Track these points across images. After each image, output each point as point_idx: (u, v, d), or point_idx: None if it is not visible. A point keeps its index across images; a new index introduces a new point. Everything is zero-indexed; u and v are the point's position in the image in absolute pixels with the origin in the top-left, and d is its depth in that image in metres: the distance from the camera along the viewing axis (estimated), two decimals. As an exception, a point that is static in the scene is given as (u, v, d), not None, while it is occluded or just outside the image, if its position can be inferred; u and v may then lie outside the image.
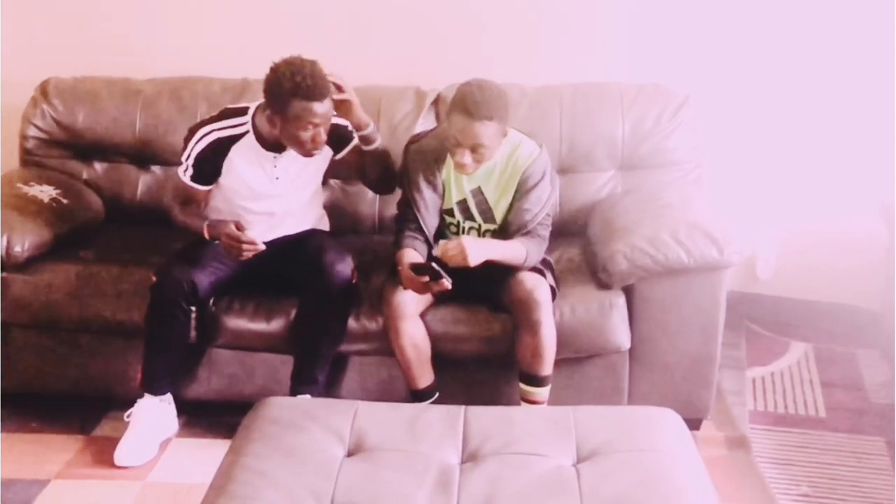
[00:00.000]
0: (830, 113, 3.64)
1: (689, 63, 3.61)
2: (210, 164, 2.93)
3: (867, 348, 3.68)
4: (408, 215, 2.93)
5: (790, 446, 3.08)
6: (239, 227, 2.83)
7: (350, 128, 2.96)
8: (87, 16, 3.74)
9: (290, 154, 2.93)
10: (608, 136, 3.40)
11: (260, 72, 3.52)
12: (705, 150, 3.45)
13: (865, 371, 3.54)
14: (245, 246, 2.81)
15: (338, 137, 2.97)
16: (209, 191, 2.99)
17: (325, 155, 2.99)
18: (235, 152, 2.93)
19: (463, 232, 2.97)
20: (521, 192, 2.88)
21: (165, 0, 3.73)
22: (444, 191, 2.93)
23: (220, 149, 2.92)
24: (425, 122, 3.42)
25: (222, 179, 2.97)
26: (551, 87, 3.47)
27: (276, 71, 2.76)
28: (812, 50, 3.57)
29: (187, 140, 2.95)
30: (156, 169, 3.55)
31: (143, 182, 3.55)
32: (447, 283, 2.71)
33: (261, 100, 3.41)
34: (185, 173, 2.95)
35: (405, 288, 2.80)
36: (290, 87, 2.71)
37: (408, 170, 2.95)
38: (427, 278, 2.72)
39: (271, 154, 2.93)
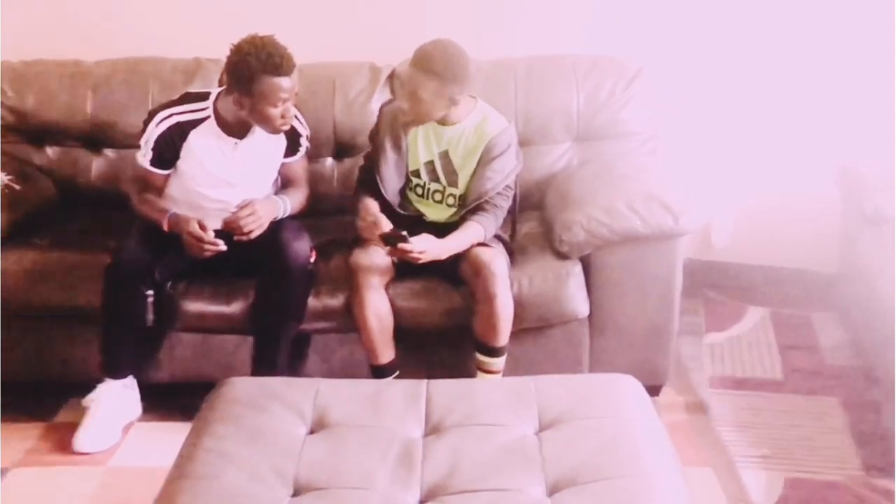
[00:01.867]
0: (783, 79, 3.67)
1: (642, 34, 3.62)
2: (169, 149, 2.90)
3: (823, 311, 3.73)
4: (370, 171, 3.01)
5: (749, 409, 3.13)
6: (202, 227, 2.81)
7: (303, 139, 3.04)
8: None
9: (251, 141, 2.92)
10: (563, 108, 3.41)
11: (212, 51, 3.51)
12: (660, 121, 3.47)
13: (821, 334, 3.60)
14: (207, 246, 2.80)
15: (290, 142, 3.00)
16: (167, 176, 2.96)
17: (280, 149, 3.00)
18: (195, 137, 2.90)
19: (428, 194, 3.02)
20: (485, 160, 2.93)
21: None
22: (408, 152, 2.98)
23: (179, 133, 2.89)
24: (381, 98, 3.41)
25: (181, 164, 2.94)
26: (505, 61, 3.47)
27: (239, 51, 2.76)
28: (763, 17, 3.60)
29: (146, 123, 2.92)
30: (109, 152, 3.50)
31: (96, 166, 3.50)
32: (410, 246, 2.77)
33: (215, 80, 3.41)
34: (143, 157, 2.92)
35: (366, 237, 2.86)
36: (257, 64, 2.72)
37: (377, 130, 3.02)
38: (394, 242, 2.79)
39: (232, 140, 2.91)
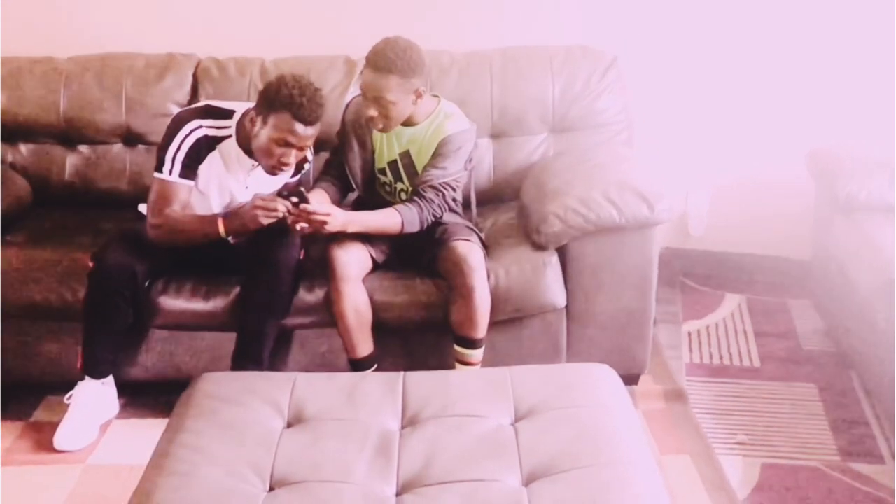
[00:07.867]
0: (754, 66, 3.69)
1: (616, 23, 3.63)
2: (195, 161, 2.83)
3: (799, 298, 3.76)
4: (333, 163, 3.05)
5: (726, 396, 3.15)
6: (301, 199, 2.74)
7: (308, 164, 3.05)
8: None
9: None
10: (539, 99, 3.42)
11: (185, 46, 3.51)
12: (634, 110, 3.48)
13: (797, 320, 3.63)
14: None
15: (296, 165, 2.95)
16: (191, 189, 2.87)
17: (289, 174, 2.97)
18: (217, 154, 2.86)
19: (394, 192, 3.02)
20: (435, 154, 2.91)
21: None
22: (374, 149, 2.98)
23: (207, 146, 2.84)
24: (355, 91, 3.40)
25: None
26: (480, 53, 3.47)
27: (281, 79, 2.76)
28: (736, 5, 3.61)
29: (171, 134, 2.83)
30: (83, 148, 3.49)
31: (70, 162, 3.48)
32: (312, 207, 2.74)
33: (188, 76, 3.40)
34: (170, 173, 2.82)
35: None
36: (287, 98, 2.71)
37: (343, 124, 3.03)
38: (294, 200, 2.76)
39: (250, 161, 2.88)
